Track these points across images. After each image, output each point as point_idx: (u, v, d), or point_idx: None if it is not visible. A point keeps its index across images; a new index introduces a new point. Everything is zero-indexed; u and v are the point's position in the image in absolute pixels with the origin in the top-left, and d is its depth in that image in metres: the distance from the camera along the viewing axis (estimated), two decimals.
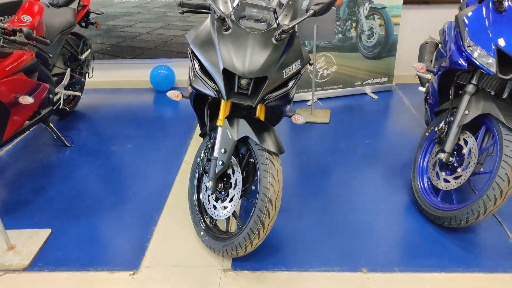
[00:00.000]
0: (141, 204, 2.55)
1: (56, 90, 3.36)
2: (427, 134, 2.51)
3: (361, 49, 4.02)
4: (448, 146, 2.25)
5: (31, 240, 2.25)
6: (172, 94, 2.20)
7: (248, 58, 1.75)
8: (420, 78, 3.23)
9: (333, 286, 1.91)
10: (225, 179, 2.07)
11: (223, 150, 1.97)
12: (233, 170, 2.03)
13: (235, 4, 1.88)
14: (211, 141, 2.12)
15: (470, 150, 2.19)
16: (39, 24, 2.95)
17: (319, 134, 3.41)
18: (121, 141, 3.37)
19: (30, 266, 2.09)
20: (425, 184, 2.42)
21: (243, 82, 1.82)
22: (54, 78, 3.32)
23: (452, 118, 2.29)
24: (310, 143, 3.27)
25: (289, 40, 1.87)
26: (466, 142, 2.22)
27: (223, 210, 2.04)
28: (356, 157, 3.03)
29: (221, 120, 2.00)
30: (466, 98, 2.21)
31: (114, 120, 3.78)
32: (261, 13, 1.93)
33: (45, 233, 2.31)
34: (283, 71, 1.82)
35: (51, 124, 3.29)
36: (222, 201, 2.06)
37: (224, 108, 2.00)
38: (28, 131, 3.55)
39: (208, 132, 2.14)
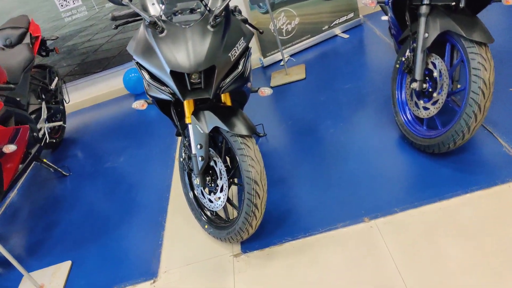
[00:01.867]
0: (146, 212, 2.64)
1: (38, 126, 3.41)
2: (397, 66, 2.50)
3: None
4: (418, 74, 2.23)
5: (56, 275, 2.38)
6: (137, 105, 2.22)
7: (190, 53, 1.74)
8: (381, 6, 3.15)
9: (340, 244, 1.98)
10: (210, 171, 2.12)
11: (199, 146, 2.01)
12: (215, 161, 2.07)
13: (162, 5, 1.85)
14: (186, 139, 2.15)
15: (440, 72, 2.17)
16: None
17: (299, 93, 3.40)
18: (113, 156, 3.43)
19: None
20: (408, 116, 2.43)
21: (194, 77, 1.83)
22: (32, 116, 3.35)
23: (415, 44, 2.26)
24: (291, 104, 3.27)
25: (225, 21, 1.85)
26: (434, 65, 2.21)
27: (218, 201, 2.10)
28: (338, 106, 3.03)
29: (188, 118, 2.03)
30: (422, 20, 2.17)
31: (102, 136, 3.84)
32: (191, 3, 1.91)
33: (66, 265, 2.43)
34: (229, 54, 1.82)
35: (44, 160, 3.37)
36: (214, 193, 2.12)
37: (187, 106, 2.02)
38: (25, 174, 3.63)
39: (181, 131, 2.17)
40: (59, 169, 3.41)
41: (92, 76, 4.42)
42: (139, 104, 2.21)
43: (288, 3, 3.86)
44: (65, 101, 3.98)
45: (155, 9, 1.88)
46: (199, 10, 1.88)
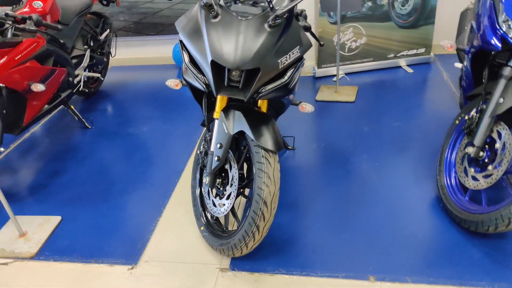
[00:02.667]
0: (150, 191, 2.52)
1: (76, 72, 3.36)
2: (457, 122, 2.24)
3: (394, 18, 3.65)
4: (478, 139, 1.97)
5: (42, 227, 2.30)
6: (171, 83, 2.09)
7: (238, 48, 1.58)
8: (458, 52, 2.87)
9: None
10: (223, 174, 1.96)
11: (218, 145, 1.85)
12: (230, 165, 1.91)
13: None
14: (209, 133, 2.00)
15: (504, 145, 1.90)
16: (53, 8, 2.91)
17: (343, 115, 3.18)
18: (139, 123, 3.34)
19: (37, 254, 2.14)
20: (452, 180, 2.17)
21: (234, 74, 1.67)
22: (74, 61, 3.31)
23: (484, 106, 2.00)
24: (331, 125, 3.06)
25: (285, 25, 1.67)
26: (500, 135, 1.94)
27: (221, 208, 1.94)
28: (379, 143, 2.79)
29: (217, 113, 1.87)
30: (502, 82, 1.91)
31: (135, 99, 3.76)
32: None
33: (55, 220, 2.35)
34: (279, 60, 1.64)
35: (72, 107, 3.32)
36: (220, 198, 1.96)
37: (220, 100, 1.86)
38: (50, 114, 3.61)
39: (207, 124, 2.02)
40: (83, 119, 3.35)
41: (144, 37, 4.35)
42: (173, 83, 2.08)
43: (360, 19, 3.63)
44: (111, 54, 3.93)
45: None
46: (262, 4, 1.71)
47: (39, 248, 2.17)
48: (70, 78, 3.21)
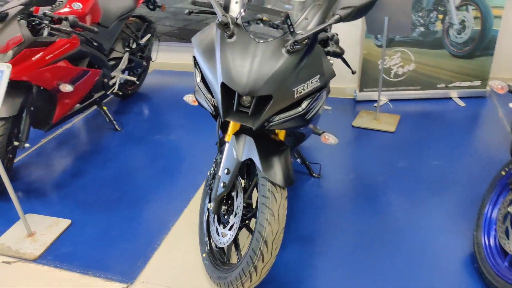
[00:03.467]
0: (162, 205, 2.44)
1: (113, 74, 3.39)
2: (503, 173, 1.96)
3: (448, 46, 3.36)
4: None
5: (50, 229, 2.28)
6: (188, 99, 1.99)
7: (250, 73, 1.44)
8: None
9: None
10: (230, 201, 1.83)
11: (226, 171, 1.72)
12: (237, 193, 1.78)
13: (242, 9, 1.57)
14: (220, 156, 1.88)
15: None
16: (93, 10, 2.93)
17: (378, 146, 2.95)
18: (167, 130, 3.30)
19: (39, 257, 2.12)
20: (491, 240, 1.89)
21: (245, 99, 1.53)
22: (112, 63, 3.33)
23: None
24: (364, 156, 2.84)
25: (306, 51, 1.51)
26: None
27: (223, 238, 1.81)
28: (414, 182, 2.54)
29: (229, 136, 1.75)
30: None
31: (169, 105, 3.74)
32: (278, 18, 1.59)
33: (64, 223, 2.32)
34: (295, 89, 1.49)
35: (104, 108, 3.34)
36: (224, 227, 1.83)
37: (233, 123, 1.73)
38: (83, 113, 3.65)
39: (218, 146, 1.90)
40: (114, 121, 3.36)
41: (187, 44, 4.34)
42: (191, 99, 1.98)
43: (409, 44, 3.37)
44: (151, 58, 3.95)
45: (235, 9, 1.60)
46: (283, 26, 1.57)
47: (43, 251, 2.15)
48: (105, 80, 3.23)
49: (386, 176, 2.60)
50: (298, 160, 2.66)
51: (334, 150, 2.92)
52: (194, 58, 1.65)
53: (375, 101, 3.61)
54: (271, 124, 1.52)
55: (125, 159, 2.93)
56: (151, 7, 3.79)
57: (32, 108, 2.57)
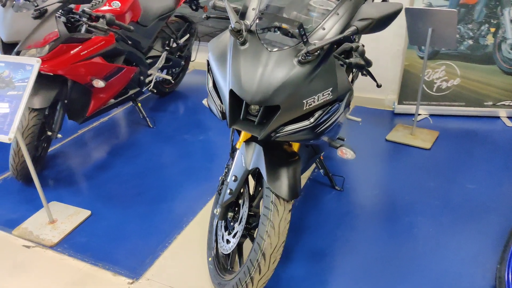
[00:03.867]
0: (180, 204, 2.46)
1: (150, 72, 3.47)
2: None
3: (499, 61, 3.12)
4: None
5: (71, 218, 2.37)
6: (205, 102, 1.98)
7: (259, 81, 1.40)
8: None
9: None
10: (236, 208, 1.80)
11: (233, 178, 1.70)
12: (243, 201, 1.74)
13: (256, 16, 1.52)
14: (231, 162, 1.85)
15: None
16: (132, 9, 3.01)
17: (410, 162, 2.79)
18: (197, 130, 3.32)
19: (57, 245, 2.20)
20: None
21: (253, 107, 1.49)
22: (149, 61, 3.42)
23: None
24: (393, 172, 2.69)
25: (320, 62, 1.44)
26: None
27: (227, 244, 1.78)
28: (443, 205, 2.37)
29: (239, 143, 1.72)
30: None
31: (202, 105, 3.77)
32: (294, 26, 1.53)
33: (85, 214, 2.40)
34: (304, 101, 1.42)
35: (139, 104, 3.43)
36: (229, 234, 1.80)
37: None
38: (117, 108, 3.75)
39: (231, 152, 1.87)
40: (147, 118, 3.44)
41: None
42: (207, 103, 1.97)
43: (456, 58, 3.17)
44: (191, 58, 4.00)
45: (251, 16, 1.56)
46: (298, 35, 1.51)
47: (61, 239, 2.23)
48: (142, 77, 3.31)
49: (413, 196, 2.45)
50: (321, 171, 2.58)
51: (362, 163, 2.80)
52: (208, 63, 1.64)
53: (413, 115, 3.43)
54: (277, 135, 1.47)
55: (152, 156, 2.98)
56: (194, 7, 3.85)
57: (66, 101, 2.68)
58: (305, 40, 1.41)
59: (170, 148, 3.07)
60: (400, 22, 3.21)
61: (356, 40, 2.07)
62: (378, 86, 1.89)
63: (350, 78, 1.77)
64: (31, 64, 1.93)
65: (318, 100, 1.43)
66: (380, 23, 1.41)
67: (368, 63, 1.68)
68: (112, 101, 3.13)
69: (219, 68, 1.53)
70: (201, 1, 4.13)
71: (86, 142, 3.23)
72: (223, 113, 1.57)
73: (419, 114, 3.44)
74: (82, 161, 2.96)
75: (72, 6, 2.54)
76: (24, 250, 2.17)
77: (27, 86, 1.91)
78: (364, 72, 1.80)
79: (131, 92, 3.28)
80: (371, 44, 3.45)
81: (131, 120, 3.57)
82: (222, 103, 1.56)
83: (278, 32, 1.54)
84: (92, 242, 2.21)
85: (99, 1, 2.77)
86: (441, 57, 3.20)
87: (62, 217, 2.38)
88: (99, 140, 3.25)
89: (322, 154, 2.01)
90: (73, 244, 2.20)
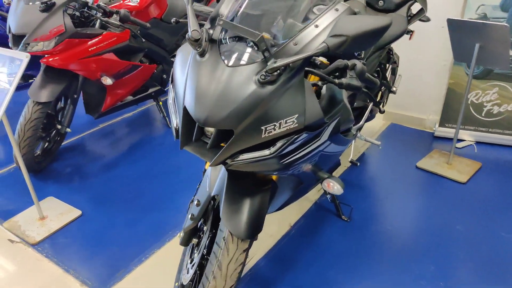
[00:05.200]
0: (169, 215, 2.32)
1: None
2: None
3: None
4: None
5: (61, 217, 2.33)
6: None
7: (212, 101, 1.19)
8: None
9: None
10: (201, 235, 1.61)
11: (196, 202, 1.51)
12: (207, 229, 1.54)
13: (216, 24, 1.30)
14: (200, 183, 1.66)
15: None
16: (156, 5, 2.92)
17: (438, 197, 2.41)
18: None
19: (39, 243, 2.16)
20: None
21: (208, 129, 1.29)
22: (173, 58, 3.32)
23: None
24: (413, 205, 2.34)
25: (284, 83, 1.19)
26: None
27: (187, 274, 1.60)
28: (465, 254, 2.00)
29: (207, 163, 1.52)
30: None
31: None
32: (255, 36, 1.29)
33: (75, 213, 2.35)
34: (263, 127, 1.19)
35: (160, 103, 3.36)
36: (191, 262, 1.61)
37: None
38: (136, 106, 3.65)
39: (203, 171, 1.68)
40: (167, 117, 3.36)
41: None
42: None
43: None
44: None
45: (214, 23, 1.34)
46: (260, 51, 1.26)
47: (44, 237, 2.18)
48: (165, 75, 3.23)
49: (432, 239, 2.10)
50: (328, 197, 2.31)
51: (379, 191, 2.47)
52: (172, 73, 1.45)
53: (458, 140, 3.00)
54: (233, 163, 1.25)
55: (159, 159, 2.88)
56: None
57: (75, 96, 2.66)
58: (267, 56, 1.17)
59: (180, 152, 2.95)
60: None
61: (361, 55, 1.78)
62: (381, 112, 1.60)
63: (346, 99, 1.49)
64: (20, 59, 1.88)
65: (279, 128, 1.19)
66: (357, 42, 1.13)
67: (371, 83, 1.40)
68: (130, 98, 3.08)
69: (179, 80, 1.34)
70: None
71: (102, 137, 3.21)
72: (178, 132, 1.38)
73: (462, 140, 3.01)
74: (91, 157, 2.93)
75: (88, 0, 2.49)
76: (8, 244, 2.16)
77: (13, 81, 1.86)
78: (364, 96, 1.52)
79: (151, 90, 3.20)
80: (412, 56, 3.06)
81: (153, 118, 3.51)
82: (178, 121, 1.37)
83: (251, 43, 1.32)
84: (72, 245, 2.14)
85: None
86: (494, 77, 2.74)
87: (53, 214, 2.34)
88: (115, 136, 3.21)
89: (313, 186, 1.75)
90: (54, 245, 2.15)
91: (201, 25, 1.38)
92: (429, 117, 3.20)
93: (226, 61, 1.22)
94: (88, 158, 2.91)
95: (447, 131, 3.02)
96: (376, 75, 2.26)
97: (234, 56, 1.24)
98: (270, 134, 1.19)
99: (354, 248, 2.06)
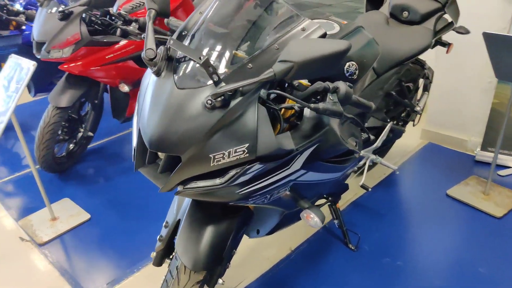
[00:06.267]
0: None
1: None
2: None
3: None
4: None
5: (70, 219, 2.39)
6: None
7: (159, 124, 1.12)
8: None
9: None
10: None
11: (165, 223, 1.45)
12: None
13: (168, 44, 1.21)
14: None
15: None
16: (183, 11, 2.92)
17: (465, 232, 2.14)
18: None
19: (45, 244, 2.23)
20: None
21: (160, 154, 1.22)
22: None
23: None
24: (435, 241, 2.09)
25: (235, 109, 1.08)
26: None
27: None
28: None
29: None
30: None
31: None
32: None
33: (84, 217, 2.40)
34: (211, 155, 1.09)
35: None
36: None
37: None
38: None
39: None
40: None
41: None
42: None
43: None
44: None
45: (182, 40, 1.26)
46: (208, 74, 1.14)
47: (51, 239, 2.25)
48: None
49: (450, 281, 1.86)
50: (335, 222, 2.14)
51: (397, 220, 2.25)
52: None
53: (501, 167, 2.67)
54: (184, 191, 1.16)
55: None
56: None
57: (96, 101, 2.73)
58: (215, 80, 1.07)
59: None
60: None
61: (355, 74, 1.59)
62: (371, 141, 1.42)
63: (334, 123, 1.34)
64: (27, 67, 1.95)
65: (229, 157, 1.09)
66: (307, 69, 1.00)
67: (364, 106, 1.24)
68: None
69: (139, 98, 1.28)
70: None
71: (127, 142, 3.28)
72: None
73: (507, 167, 2.66)
74: (112, 161, 2.99)
75: (109, 8, 2.54)
76: (18, 242, 2.26)
77: (19, 88, 1.94)
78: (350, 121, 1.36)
79: None
80: (453, 71, 2.77)
81: None
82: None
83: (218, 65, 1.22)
84: (74, 248, 2.19)
85: (140, 4, 2.73)
86: None
87: (64, 216, 2.41)
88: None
89: (294, 221, 1.62)
90: (58, 247, 2.20)
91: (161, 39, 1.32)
92: (471, 138, 2.88)
93: (177, 83, 1.14)
94: (109, 162, 2.98)
95: (490, 156, 2.69)
96: (393, 93, 2.05)
97: (186, 77, 1.16)
98: (219, 163, 1.09)
99: (357, 281, 1.89)
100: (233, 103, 1.07)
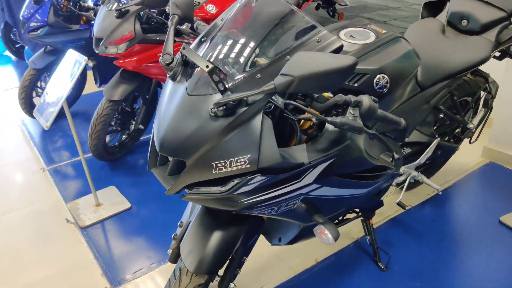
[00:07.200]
0: None
1: None
2: None
3: None
4: None
5: (112, 206, 2.53)
6: None
7: (169, 128, 1.14)
8: None
9: None
10: None
11: (180, 222, 1.48)
12: None
13: (181, 51, 1.21)
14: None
15: None
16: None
17: (510, 264, 1.93)
18: None
19: (87, 227, 2.38)
20: None
21: (170, 158, 1.24)
22: None
23: None
24: (478, 269, 1.91)
25: (239, 119, 1.06)
26: None
27: None
28: None
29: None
30: None
31: None
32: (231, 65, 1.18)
33: (125, 205, 2.53)
34: (213, 163, 1.09)
35: None
36: None
37: None
38: None
39: None
40: None
41: None
42: None
43: None
44: None
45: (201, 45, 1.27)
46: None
47: (92, 223, 2.40)
48: None
49: None
50: (367, 238, 2.04)
51: (436, 244, 2.08)
52: None
53: None
54: (189, 195, 1.17)
55: None
56: (331, 13, 3.53)
57: (147, 96, 2.85)
58: (222, 89, 1.06)
59: None
60: None
61: (385, 88, 1.48)
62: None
63: (358, 139, 1.28)
64: (80, 62, 2.09)
65: (230, 166, 1.07)
66: (307, 84, 0.94)
67: (392, 123, 1.17)
68: None
69: (159, 102, 1.31)
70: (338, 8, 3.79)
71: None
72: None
73: None
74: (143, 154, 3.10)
75: (166, 7, 2.63)
76: (63, 223, 2.43)
77: (71, 81, 2.08)
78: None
79: None
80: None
81: None
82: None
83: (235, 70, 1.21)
84: (112, 235, 2.31)
85: (196, 4, 2.80)
86: None
87: (107, 203, 2.56)
88: None
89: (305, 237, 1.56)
90: (96, 232, 2.34)
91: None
92: None
93: (188, 89, 1.15)
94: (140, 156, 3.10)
95: None
96: (442, 108, 1.90)
97: (197, 84, 1.16)
98: (221, 171, 1.08)
99: None
100: (238, 112, 1.06)
